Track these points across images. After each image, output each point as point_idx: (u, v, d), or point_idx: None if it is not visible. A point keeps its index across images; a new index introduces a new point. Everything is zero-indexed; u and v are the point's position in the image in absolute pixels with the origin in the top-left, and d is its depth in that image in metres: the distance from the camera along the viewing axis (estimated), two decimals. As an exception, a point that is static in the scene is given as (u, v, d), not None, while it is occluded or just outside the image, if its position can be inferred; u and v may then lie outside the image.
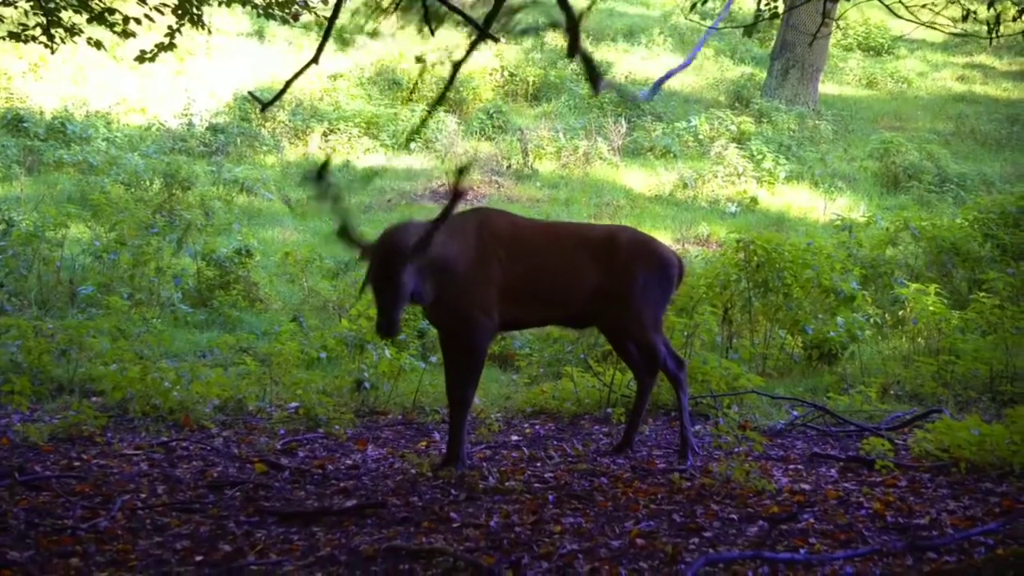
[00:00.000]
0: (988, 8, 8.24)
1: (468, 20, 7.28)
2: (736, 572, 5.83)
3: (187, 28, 10.46)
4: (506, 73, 26.60)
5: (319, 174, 7.67)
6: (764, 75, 27.60)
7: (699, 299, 11.54)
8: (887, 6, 9.02)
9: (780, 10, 9.28)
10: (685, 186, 21.68)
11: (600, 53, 29.17)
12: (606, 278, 8.10)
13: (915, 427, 9.21)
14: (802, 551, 6.17)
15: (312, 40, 26.66)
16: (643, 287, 8.16)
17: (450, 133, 22.92)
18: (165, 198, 17.37)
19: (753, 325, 12.36)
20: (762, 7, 9.60)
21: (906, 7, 8.76)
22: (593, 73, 6.32)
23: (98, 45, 10.63)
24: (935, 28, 9.11)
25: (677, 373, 8.37)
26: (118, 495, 7.17)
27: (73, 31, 10.34)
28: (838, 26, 29.68)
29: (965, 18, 8.39)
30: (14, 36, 10.45)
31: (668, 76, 8.61)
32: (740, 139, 23.47)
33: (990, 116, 26.84)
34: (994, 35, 8.40)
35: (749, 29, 9.57)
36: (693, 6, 8.99)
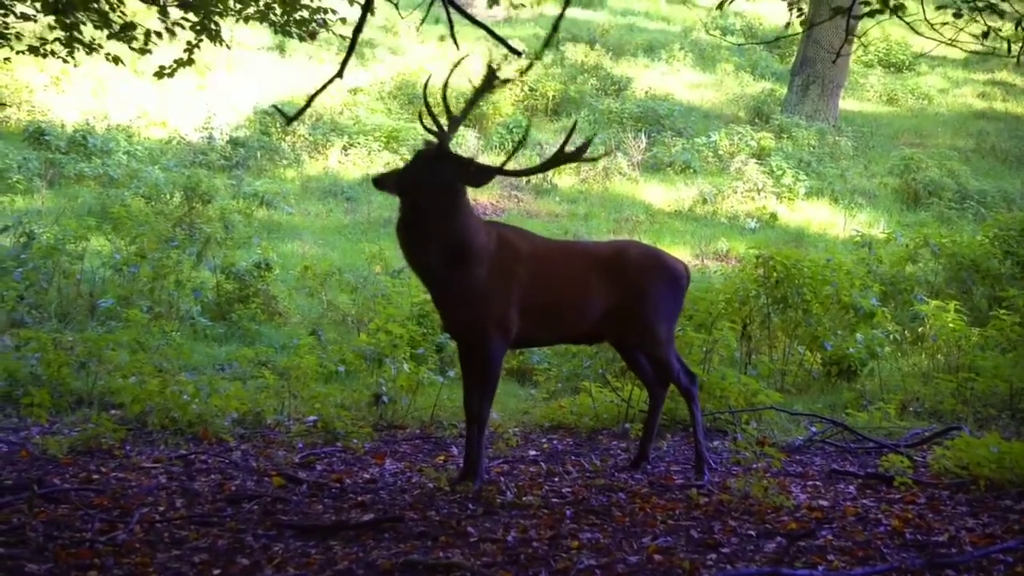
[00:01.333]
0: (1017, 27, 8.21)
1: (486, 30, 7.31)
2: (754, 589, 5.83)
3: (207, 42, 10.49)
4: (526, 88, 26.62)
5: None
6: (784, 91, 27.59)
7: (718, 315, 11.53)
8: (909, 24, 9.02)
9: (799, 29, 9.25)
10: (705, 201, 21.69)
11: (620, 68, 29.21)
12: (619, 295, 8.09)
13: (934, 444, 9.19)
14: (820, 568, 6.17)
15: (333, 54, 26.73)
16: (656, 302, 8.17)
17: (470, 148, 22.94)
18: (185, 211, 17.42)
19: (772, 341, 12.34)
20: (792, 19, 9.57)
21: (930, 25, 8.74)
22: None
23: (116, 61, 10.65)
24: (956, 46, 9.08)
25: (689, 388, 8.37)
26: (136, 508, 7.19)
27: (92, 47, 10.37)
28: (860, 42, 29.64)
29: (986, 35, 8.35)
30: (32, 50, 10.48)
31: None
32: (760, 155, 23.45)
33: (1011, 133, 26.80)
34: (1021, 53, 8.37)
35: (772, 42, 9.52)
36: (720, 4, 8.96)
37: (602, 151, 22.35)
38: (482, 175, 7.68)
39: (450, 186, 7.54)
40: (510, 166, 7.93)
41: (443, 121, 7.83)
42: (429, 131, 7.80)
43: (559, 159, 7.73)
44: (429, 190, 7.49)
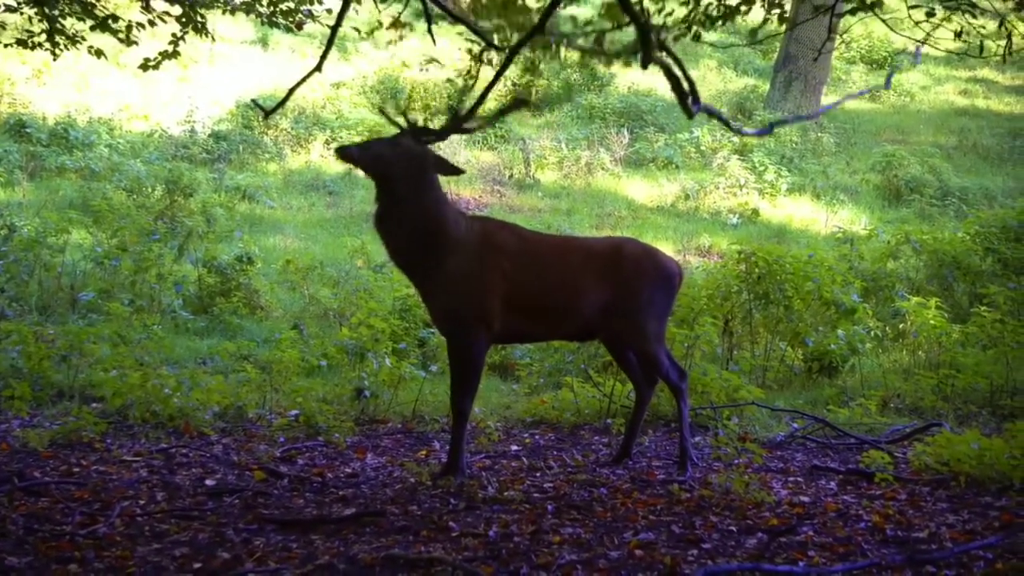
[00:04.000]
0: (1000, 26, 8.23)
1: (466, 24, 7.30)
2: (735, 584, 5.84)
3: (191, 35, 10.47)
4: (509, 83, 26.61)
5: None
6: (767, 87, 27.61)
7: (700, 310, 11.54)
8: (889, 26, 9.04)
9: (783, 29, 9.25)
10: (687, 197, 21.70)
11: (605, 66, 29.21)
12: (612, 292, 8.06)
13: (915, 440, 9.22)
14: (801, 564, 6.17)
15: (316, 48, 26.68)
16: (649, 299, 8.15)
17: (452, 142, 22.90)
18: (167, 205, 17.39)
19: (754, 337, 12.35)
20: (769, 15, 9.58)
21: (913, 22, 8.75)
22: (680, 89, 6.25)
23: (99, 54, 10.62)
24: (936, 48, 9.10)
25: (679, 384, 8.36)
26: (117, 501, 7.17)
27: (76, 39, 10.34)
28: (842, 39, 29.69)
29: (959, 34, 8.36)
30: (20, 43, 10.45)
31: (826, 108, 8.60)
32: (742, 151, 23.46)
33: (992, 130, 26.86)
34: (1006, 53, 8.39)
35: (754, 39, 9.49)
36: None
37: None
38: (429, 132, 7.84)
39: (415, 159, 7.66)
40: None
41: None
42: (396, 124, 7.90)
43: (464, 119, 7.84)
44: (395, 162, 7.64)
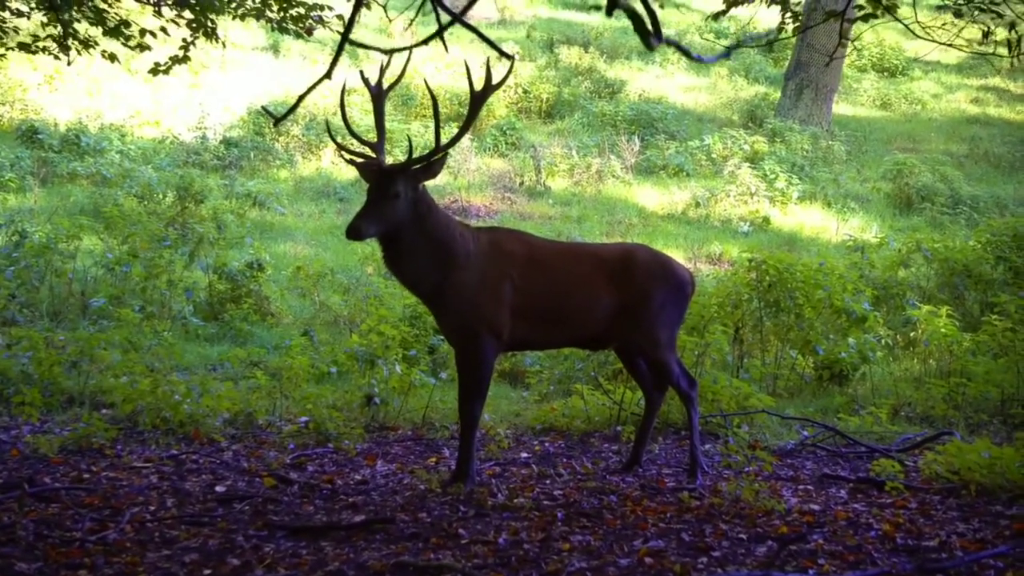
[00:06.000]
0: (1010, 30, 8.21)
1: (476, 32, 7.29)
2: (744, 592, 5.84)
3: (202, 41, 10.49)
4: (520, 90, 26.64)
5: None
6: (778, 95, 27.58)
7: (710, 318, 11.53)
8: (906, 26, 9.02)
9: (790, 31, 9.25)
10: (698, 205, 21.65)
11: (614, 71, 29.24)
12: (623, 298, 8.06)
13: (925, 449, 9.19)
14: (811, 572, 6.18)
15: (326, 54, 26.71)
16: (660, 307, 8.15)
17: (463, 149, 22.91)
18: (178, 211, 17.39)
19: (764, 345, 12.33)
20: (784, 20, 9.57)
21: (923, 28, 8.75)
22: (643, 26, 6.21)
23: (112, 58, 10.64)
24: (955, 46, 9.09)
25: (689, 392, 8.35)
26: (127, 508, 7.18)
27: (88, 44, 10.36)
28: (854, 47, 29.66)
29: (986, 36, 8.35)
30: (25, 47, 10.46)
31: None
32: (753, 159, 23.43)
33: (1004, 139, 26.81)
34: (1016, 55, 8.38)
35: (771, 42, 9.46)
36: (717, 15, 8.96)
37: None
38: (429, 166, 7.84)
39: (415, 191, 7.66)
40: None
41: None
42: (356, 153, 7.89)
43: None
44: (401, 206, 7.62)
